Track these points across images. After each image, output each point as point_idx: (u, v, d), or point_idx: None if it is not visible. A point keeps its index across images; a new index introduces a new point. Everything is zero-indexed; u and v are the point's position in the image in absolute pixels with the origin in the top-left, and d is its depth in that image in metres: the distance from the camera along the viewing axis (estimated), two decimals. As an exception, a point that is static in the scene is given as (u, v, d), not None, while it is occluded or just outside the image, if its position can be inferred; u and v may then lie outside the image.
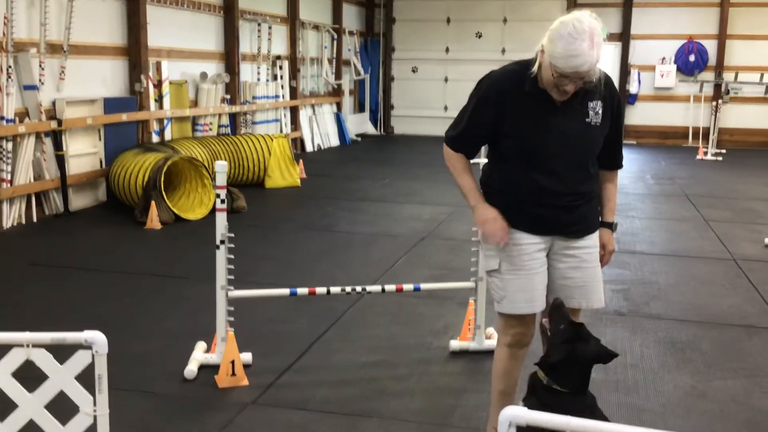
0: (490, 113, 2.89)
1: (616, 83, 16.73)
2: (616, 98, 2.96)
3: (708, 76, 16.36)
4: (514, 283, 2.94)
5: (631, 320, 4.99)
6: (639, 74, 16.63)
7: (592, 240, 3.00)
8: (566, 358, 2.45)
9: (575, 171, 2.91)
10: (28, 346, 2.09)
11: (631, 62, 16.65)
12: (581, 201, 2.94)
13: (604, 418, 2.60)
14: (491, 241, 2.92)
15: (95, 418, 2.11)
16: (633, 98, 16.81)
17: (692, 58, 16.35)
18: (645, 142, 16.79)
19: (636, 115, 16.93)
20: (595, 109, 2.88)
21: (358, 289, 4.32)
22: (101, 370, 2.07)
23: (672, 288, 5.77)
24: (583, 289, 2.98)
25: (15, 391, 2.15)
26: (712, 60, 16.29)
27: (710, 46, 16.27)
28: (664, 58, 16.54)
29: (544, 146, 2.86)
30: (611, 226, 3.07)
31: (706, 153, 14.56)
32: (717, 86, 16.31)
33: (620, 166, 3.10)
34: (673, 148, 16.03)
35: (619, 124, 2.99)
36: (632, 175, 12.14)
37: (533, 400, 2.54)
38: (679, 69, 16.48)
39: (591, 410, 2.47)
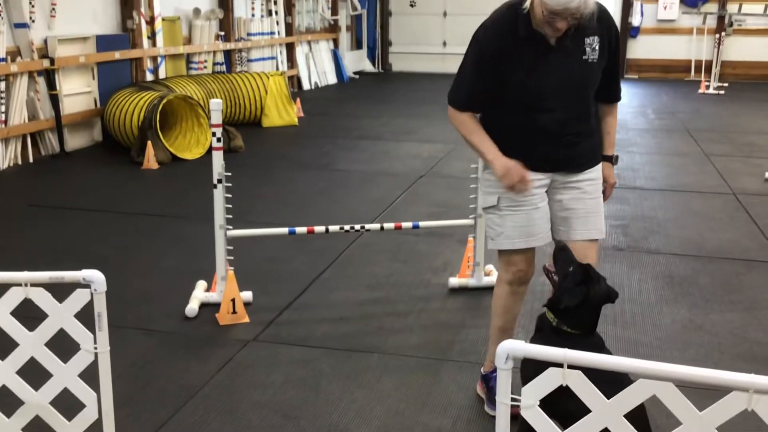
0: (492, 66, 2.84)
1: (618, 16, 16.49)
2: (614, 31, 2.89)
3: (712, 7, 16.05)
4: (512, 219, 2.94)
5: (629, 255, 5.01)
6: (642, 6, 16.31)
7: (594, 173, 3.00)
8: (582, 301, 2.44)
9: (574, 108, 2.89)
10: (26, 285, 2.09)
11: (633, -6, 16.32)
12: (581, 137, 2.93)
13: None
14: (516, 189, 2.86)
15: (96, 355, 2.12)
16: (635, 31, 16.52)
17: (696, -11, 16.01)
18: (647, 76, 16.59)
19: (638, 49, 16.66)
20: (592, 45, 2.83)
21: (357, 227, 4.32)
22: (101, 308, 2.07)
23: (671, 223, 5.78)
24: (584, 219, 2.97)
25: (15, 329, 2.16)
26: (716, -9, 15.97)
27: (714, -23, 15.93)
28: (667, -10, 16.21)
29: (541, 87, 2.83)
30: (612, 159, 3.07)
31: (708, 87, 14.39)
32: (720, 18, 16.01)
33: (618, 98, 3.06)
34: (675, 82, 15.85)
35: (616, 57, 2.94)
36: (633, 110, 12.03)
37: (540, 342, 2.54)
38: (682, 1, 16.15)
39: (599, 350, 2.47)
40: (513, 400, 1.69)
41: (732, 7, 15.88)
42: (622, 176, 7.31)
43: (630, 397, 1.60)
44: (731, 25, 15.95)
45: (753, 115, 11.39)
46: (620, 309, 4.11)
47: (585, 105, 2.91)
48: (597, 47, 2.83)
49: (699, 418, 1.58)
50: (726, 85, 14.82)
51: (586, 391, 1.62)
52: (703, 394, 1.82)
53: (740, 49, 16.04)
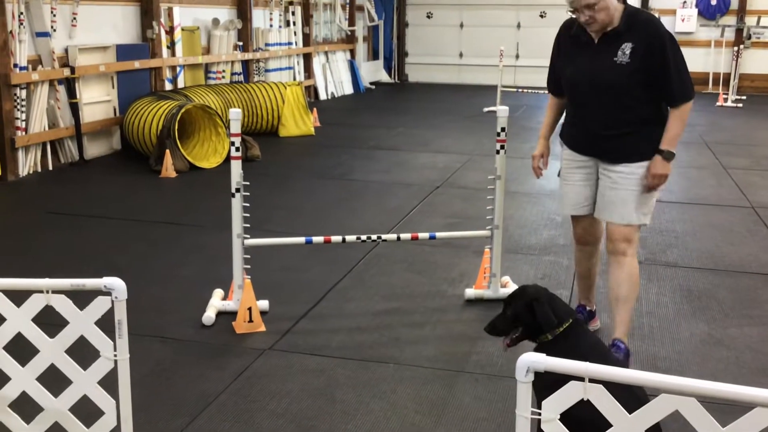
0: (555, 59, 3.61)
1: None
2: (657, 39, 3.28)
3: (730, 20, 15.98)
4: (561, 188, 3.79)
5: (647, 268, 4.97)
6: (659, 18, 16.25)
7: (629, 168, 3.40)
8: (527, 307, 2.70)
9: (606, 104, 3.37)
10: (47, 292, 2.11)
11: (651, 6, 16.26)
12: (616, 132, 3.39)
13: (597, 340, 2.90)
14: (535, 172, 3.79)
15: (116, 362, 2.13)
16: (652, 44, 16.46)
17: (714, 1, 15.94)
18: (663, 89, 16.50)
19: (655, 62, 16.58)
20: (625, 50, 3.29)
21: (373, 237, 4.32)
22: (121, 315, 2.08)
23: (689, 236, 5.74)
24: (610, 206, 3.49)
25: (36, 336, 2.17)
26: (735, 4, 15.88)
27: (733, -10, 15.86)
28: (685, 2, 16.15)
29: (575, 82, 3.47)
30: (662, 153, 3.35)
31: (726, 99, 14.31)
32: (739, 31, 15.93)
33: (673, 103, 3.35)
34: (692, 95, 15.75)
35: (665, 65, 3.28)
36: (650, 122, 11.97)
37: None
38: (700, 13, 16.09)
39: (585, 332, 2.80)
40: (533, 413, 1.68)
41: (750, 20, 15.81)
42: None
43: (652, 413, 1.59)
44: (749, 37, 15.86)
45: (772, 129, 11.31)
46: (638, 322, 4.08)
47: (619, 104, 3.36)
48: (629, 52, 3.28)
49: (722, 434, 1.56)
50: (744, 97, 14.73)
51: (607, 405, 1.61)
52: (722, 410, 1.80)
53: (759, 62, 15.94)
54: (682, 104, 3.33)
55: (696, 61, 16.37)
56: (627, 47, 3.28)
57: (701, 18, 16.13)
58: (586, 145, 3.51)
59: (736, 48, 14.93)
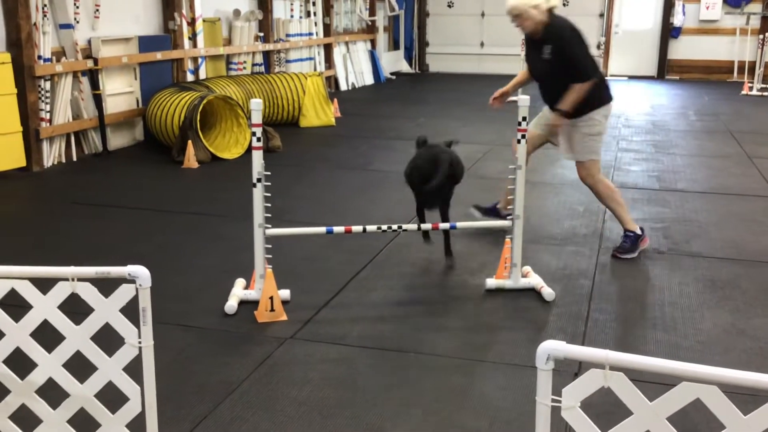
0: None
1: (660, 16, 16.26)
2: (560, 42, 4.63)
3: (755, 7, 15.73)
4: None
5: (670, 258, 4.94)
6: (683, 6, 16.07)
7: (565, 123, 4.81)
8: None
9: (547, 84, 4.88)
10: (73, 279, 2.14)
11: (674, -6, 16.08)
12: (555, 100, 4.76)
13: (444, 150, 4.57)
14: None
15: (140, 349, 2.16)
16: (677, 31, 16.28)
17: (739, -12, 15.71)
18: (688, 77, 16.33)
19: (679, 50, 16.41)
20: (545, 50, 4.68)
21: (394, 227, 4.33)
22: (145, 302, 2.11)
23: (713, 226, 5.68)
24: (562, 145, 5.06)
25: (62, 323, 2.21)
26: (761, -9, 15.65)
27: (759, -24, 15.61)
28: (709, -10, 15.93)
29: (530, 69, 5.01)
30: (557, 111, 4.74)
31: (751, 88, 14.11)
32: (764, 18, 15.68)
33: (577, 81, 4.63)
34: (718, 84, 15.57)
35: (568, 58, 4.61)
36: (674, 111, 11.85)
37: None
38: (725, 0, 15.86)
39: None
40: (553, 401, 1.68)
41: (777, 7, 15.56)
42: (663, 178, 7.21)
43: (674, 401, 1.58)
44: (776, 25, 15.62)
45: (798, 117, 11.14)
46: (660, 313, 4.05)
47: (553, 84, 4.76)
48: (548, 52, 4.67)
49: (744, 422, 1.55)
50: (770, 86, 14.52)
51: (628, 393, 1.61)
52: (744, 399, 1.79)
53: (785, 50, 15.69)
54: (582, 83, 4.62)
55: (720, 49, 16.18)
56: (547, 48, 4.66)
57: (726, 6, 15.91)
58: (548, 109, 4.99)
59: (761, 36, 14.70)
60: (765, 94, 13.76)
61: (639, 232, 4.94)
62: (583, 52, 4.68)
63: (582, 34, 4.72)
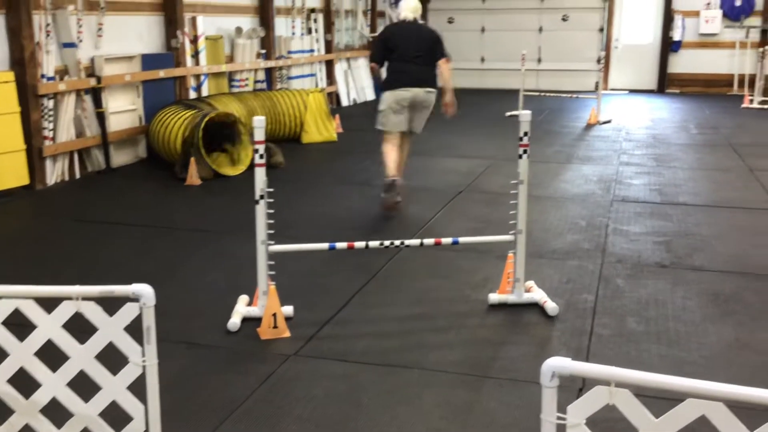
0: None
1: (659, 30, 16.37)
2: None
3: (755, 21, 15.79)
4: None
5: (673, 272, 4.93)
6: (683, 20, 16.13)
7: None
8: None
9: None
10: (77, 299, 2.14)
11: (674, 8, 16.14)
12: None
13: None
14: None
15: (144, 368, 2.16)
16: (677, 45, 16.32)
17: (738, 2, 15.77)
18: (689, 91, 16.37)
19: (679, 63, 16.46)
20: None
21: (397, 242, 4.33)
22: (149, 321, 2.11)
23: (715, 239, 5.68)
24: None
25: (66, 342, 2.21)
26: (759, 4, 15.70)
27: (758, -10, 15.68)
28: (709, 3, 15.99)
29: None
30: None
31: (751, 101, 14.15)
32: (764, 32, 15.73)
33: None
34: (718, 97, 15.61)
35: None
36: (675, 125, 11.87)
37: None
38: (724, 14, 15.92)
39: None
40: (558, 418, 1.68)
41: (776, 20, 15.63)
42: (665, 192, 7.21)
43: (679, 417, 1.58)
44: (775, 38, 15.68)
45: (799, 130, 11.16)
46: (664, 327, 4.05)
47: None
48: None
49: (750, 438, 1.55)
50: (771, 99, 14.55)
51: (633, 410, 1.61)
52: (748, 414, 1.78)
53: (785, 63, 15.73)
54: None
55: (720, 62, 16.23)
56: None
57: (726, 19, 15.97)
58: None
59: (761, 49, 14.75)
60: (765, 107, 13.79)
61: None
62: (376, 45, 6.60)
63: (384, 34, 6.75)
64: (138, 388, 2.21)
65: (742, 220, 6.22)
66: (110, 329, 2.15)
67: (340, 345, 3.83)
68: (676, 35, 16.22)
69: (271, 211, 3.97)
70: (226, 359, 3.68)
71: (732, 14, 15.89)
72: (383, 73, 6.65)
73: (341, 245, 4.24)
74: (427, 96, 6.61)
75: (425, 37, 6.61)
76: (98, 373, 2.23)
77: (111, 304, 2.15)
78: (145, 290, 2.08)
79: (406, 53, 6.40)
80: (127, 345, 2.15)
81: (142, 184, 7.71)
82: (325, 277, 4.83)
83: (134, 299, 2.11)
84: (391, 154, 6.43)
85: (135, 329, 2.15)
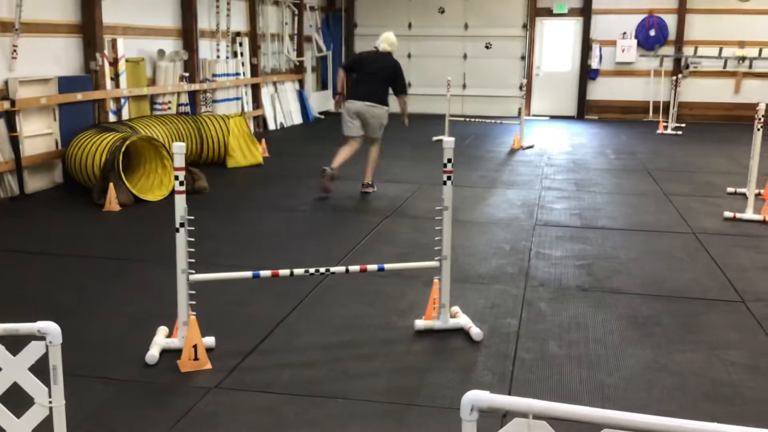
0: None
1: (578, 58, 16.92)
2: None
3: (668, 50, 16.53)
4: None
5: (593, 295, 5.04)
6: (600, 49, 16.74)
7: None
8: None
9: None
10: (-22, 337, 2.03)
11: (592, 37, 16.74)
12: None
13: None
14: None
15: (51, 409, 2.06)
16: (595, 73, 16.92)
17: (652, 32, 16.49)
18: (606, 117, 16.96)
19: (597, 90, 17.06)
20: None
21: (322, 270, 4.29)
22: (55, 360, 2.01)
23: (633, 262, 5.84)
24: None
25: (-34, 384, 2.09)
26: (672, 34, 16.46)
27: (670, 21, 16.42)
28: (624, 33, 16.66)
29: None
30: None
31: (666, 127, 14.75)
32: (677, 61, 16.49)
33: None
34: (634, 123, 16.21)
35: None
36: (593, 150, 12.24)
37: None
38: (639, 44, 16.62)
39: None
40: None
41: (688, 50, 16.39)
42: (584, 216, 7.40)
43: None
44: (687, 67, 16.43)
45: (710, 155, 11.67)
46: (585, 350, 4.12)
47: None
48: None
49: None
50: (684, 125, 15.20)
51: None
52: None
53: (697, 91, 16.51)
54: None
55: (636, 89, 16.89)
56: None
57: (640, 48, 16.65)
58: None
59: (674, 77, 15.43)
60: (679, 132, 14.39)
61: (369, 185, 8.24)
62: (350, 58, 7.48)
63: (358, 54, 8.11)
64: (45, 429, 2.10)
65: (658, 244, 6.43)
66: (14, 369, 2.04)
67: (264, 376, 3.75)
68: (594, 63, 16.82)
69: (192, 239, 3.87)
70: (144, 394, 3.55)
71: (646, 44, 16.58)
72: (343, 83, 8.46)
73: (265, 273, 4.17)
74: (368, 109, 8.02)
75: (385, 65, 8.17)
76: (2, 415, 2.11)
77: (17, 342, 2.04)
78: (51, 328, 1.99)
79: (364, 74, 8.09)
80: (32, 386, 2.05)
81: (58, 210, 7.44)
82: (249, 306, 4.73)
83: (40, 337, 2.00)
84: (343, 153, 8.04)
85: (42, 368, 2.04)
